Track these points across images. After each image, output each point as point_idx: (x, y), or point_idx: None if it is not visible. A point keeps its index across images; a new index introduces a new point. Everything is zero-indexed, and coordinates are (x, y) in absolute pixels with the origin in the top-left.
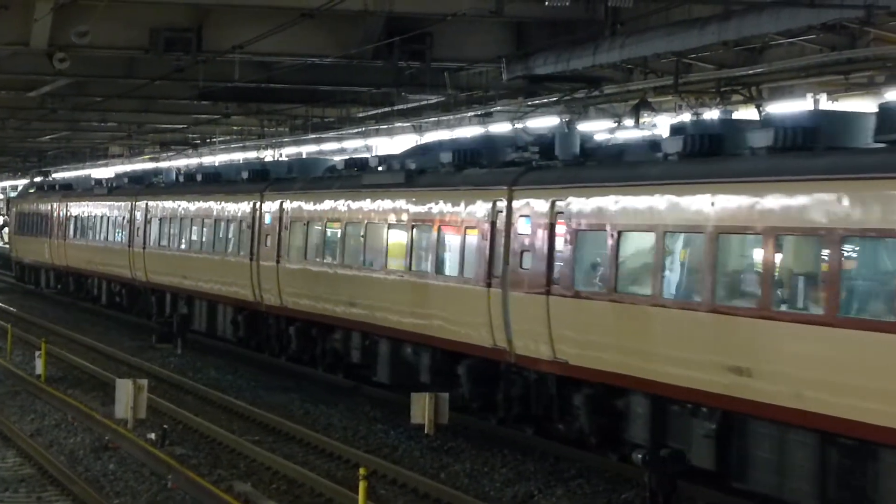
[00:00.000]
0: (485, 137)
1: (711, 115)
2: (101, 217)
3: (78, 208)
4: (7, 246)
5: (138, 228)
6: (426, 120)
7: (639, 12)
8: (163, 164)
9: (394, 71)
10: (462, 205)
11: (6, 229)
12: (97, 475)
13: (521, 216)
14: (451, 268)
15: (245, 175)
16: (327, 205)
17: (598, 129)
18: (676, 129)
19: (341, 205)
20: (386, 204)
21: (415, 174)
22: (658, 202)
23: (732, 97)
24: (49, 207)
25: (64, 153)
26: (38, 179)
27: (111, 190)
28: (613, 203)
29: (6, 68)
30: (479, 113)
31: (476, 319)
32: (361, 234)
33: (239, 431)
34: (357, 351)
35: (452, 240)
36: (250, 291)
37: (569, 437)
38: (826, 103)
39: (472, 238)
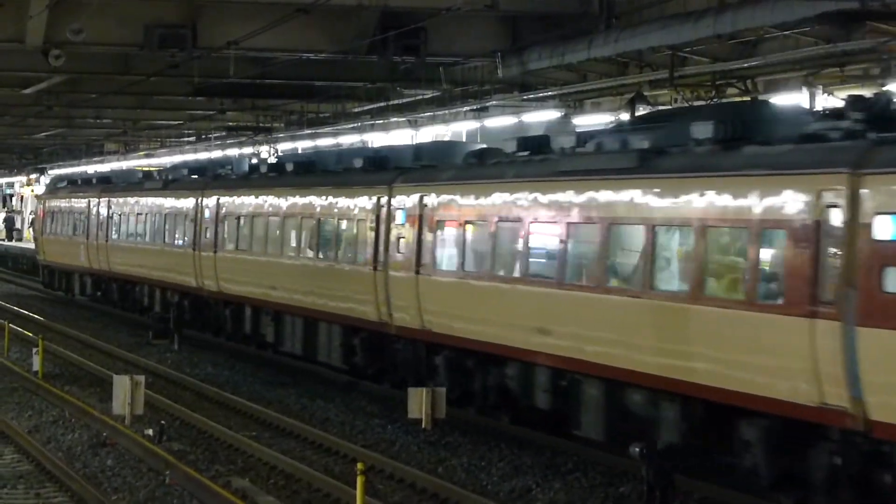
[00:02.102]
0: (745, 105)
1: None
2: (156, 215)
3: (124, 205)
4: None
5: (207, 228)
6: (421, 115)
7: (633, 6)
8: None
9: (388, 66)
10: (754, 196)
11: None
12: (95, 471)
13: (889, 213)
14: (732, 287)
15: (359, 163)
16: (497, 199)
17: (593, 123)
18: None
19: (523, 199)
20: (603, 196)
21: (651, 155)
22: None
23: (728, 90)
24: (86, 204)
25: (59, 150)
26: (66, 172)
27: (168, 183)
28: None
29: (1, 65)
30: (475, 107)
31: (791, 365)
32: (559, 237)
33: (236, 427)
34: (546, 393)
35: (735, 248)
36: (373, 308)
37: None
38: (821, 96)
39: (778, 245)
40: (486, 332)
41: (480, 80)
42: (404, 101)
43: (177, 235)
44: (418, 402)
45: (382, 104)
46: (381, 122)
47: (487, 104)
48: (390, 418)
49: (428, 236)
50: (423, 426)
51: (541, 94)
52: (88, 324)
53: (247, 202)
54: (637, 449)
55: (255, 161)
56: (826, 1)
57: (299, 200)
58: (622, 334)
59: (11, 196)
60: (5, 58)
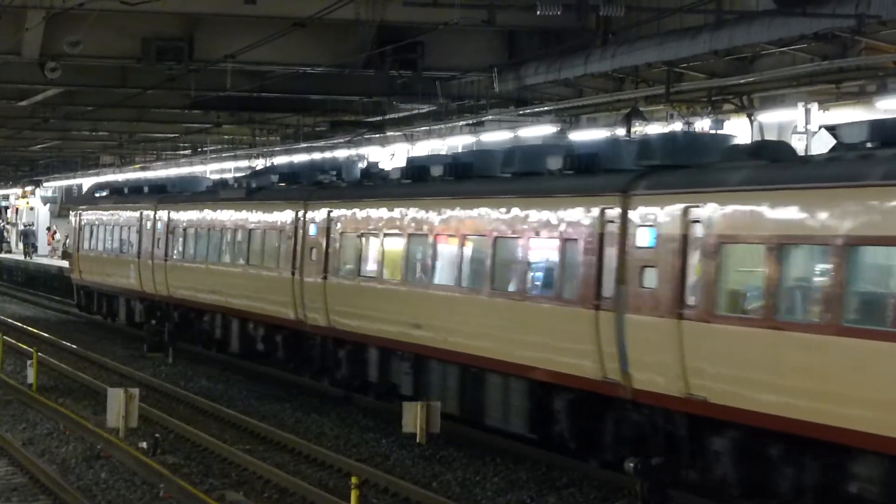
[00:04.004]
0: None
1: (703, 124)
2: (237, 230)
3: (190, 217)
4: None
5: (313, 248)
6: (418, 129)
7: (630, 22)
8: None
9: (385, 80)
10: None
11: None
12: (89, 484)
13: None
14: None
15: (556, 164)
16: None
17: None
18: None
19: None
20: None
21: None
22: None
23: (724, 106)
24: (137, 216)
25: (55, 162)
26: (106, 179)
27: (253, 191)
28: None
29: None
30: (471, 122)
31: None
32: None
33: (231, 440)
34: None
35: None
36: (593, 362)
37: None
38: (817, 112)
39: None
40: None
41: (477, 94)
42: (401, 115)
43: (267, 256)
44: (413, 417)
45: (379, 118)
46: (377, 136)
47: (484, 119)
48: (385, 432)
49: (707, 265)
50: (417, 440)
51: (537, 109)
52: (83, 336)
53: (374, 216)
54: (632, 464)
55: (367, 165)
56: (822, 18)
57: (462, 214)
58: None
59: (7, 208)
60: (2, 70)
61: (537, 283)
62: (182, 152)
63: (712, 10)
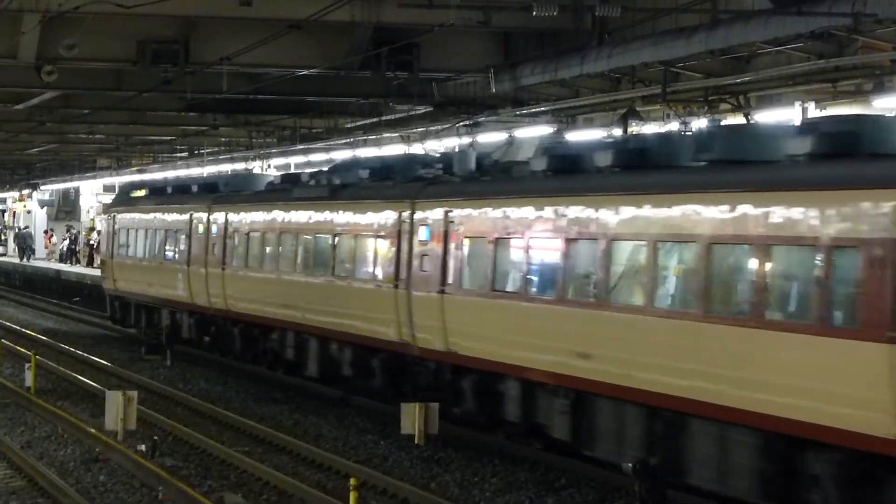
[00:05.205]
0: None
1: (699, 123)
2: (318, 234)
3: (254, 220)
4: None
5: (425, 256)
6: (414, 130)
7: (626, 22)
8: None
9: (381, 81)
10: None
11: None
12: (88, 487)
13: None
14: None
15: (801, 147)
16: None
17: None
18: None
19: None
20: None
21: None
22: None
23: (720, 106)
24: (186, 219)
25: (52, 165)
26: (142, 178)
27: (337, 190)
28: None
29: None
30: (467, 123)
31: None
32: None
33: (229, 442)
34: None
35: None
36: (883, 414)
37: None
38: (814, 111)
39: None
40: None
41: (473, 95)
42: (397, 116)
43: (360, 265)
44: (411, 418)
45: (375, 120)
46: (373, 137)
47: (480, 119)
48: (383, 434)
49: None
50: (416, 442)
51: (534, 110)
52: (81, 339)
53: (514, 216)
54: (630, 465)
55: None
56: (818, 17)
57: (652, 214)
58: None
59: (3, 212)
60: None
61: (783, 305)
62: (179, 155)
63: (708, 10)
